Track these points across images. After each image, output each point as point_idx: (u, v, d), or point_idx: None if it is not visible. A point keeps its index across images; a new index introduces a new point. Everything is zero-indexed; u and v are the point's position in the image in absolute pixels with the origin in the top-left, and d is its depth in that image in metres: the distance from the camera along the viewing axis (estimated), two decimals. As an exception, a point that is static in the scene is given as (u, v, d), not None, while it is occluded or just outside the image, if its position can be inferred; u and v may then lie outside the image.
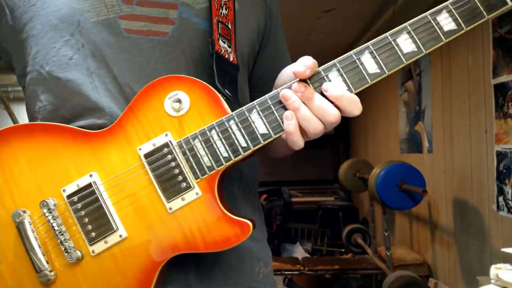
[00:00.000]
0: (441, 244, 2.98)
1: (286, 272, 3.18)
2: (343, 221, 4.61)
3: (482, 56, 2.37)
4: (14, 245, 0.70)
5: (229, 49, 0.78)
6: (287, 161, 5.73)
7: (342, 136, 5.92)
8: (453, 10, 0.67)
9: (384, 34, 0.68)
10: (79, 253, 0.68)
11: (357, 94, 0.68)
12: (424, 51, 0.68)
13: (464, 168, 2.63)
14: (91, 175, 0.70)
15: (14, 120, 3.32)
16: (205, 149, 0.68)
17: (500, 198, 2.22)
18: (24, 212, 0.69)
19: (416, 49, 0.68)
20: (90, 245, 0.69)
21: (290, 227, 5.13)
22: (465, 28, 0.67)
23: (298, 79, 0.68)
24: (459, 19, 0.67)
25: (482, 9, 0.67)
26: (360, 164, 3.99)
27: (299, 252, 4.55)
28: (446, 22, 0.67)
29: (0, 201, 0.70)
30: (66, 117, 0.75)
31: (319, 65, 0.69)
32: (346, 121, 5.79)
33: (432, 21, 0.68)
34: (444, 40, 0.67)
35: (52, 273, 0.68)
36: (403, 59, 0.68)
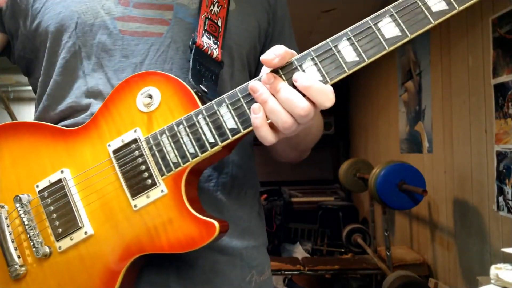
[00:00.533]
0: (441, 244, 2.98)
1: (286, 272, 3.17)
2: (343, 221, 4.61)
3: (482, 56, 2.37)
4: None
5: (214, 46, 0.77)
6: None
7: (342, 136, 5.92)
8: None
9: (364, 19, 0.63)
10: (46, 249, 0.68)
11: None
12: (409, 35, 0.61)
13: (464, 168, 2.63)
14: (62, 171, 0.70)
15: (14, 120, 3.32)
16: (172, 144, 0.66)
17: (500, 198, 2.22)
18: (2, 207, 0.71)
19: (400, 33, 0.61)
20: (57, 241, 0.68)
21: (290, 227, 5.12)
22: (457, 8, 0.60)
23: (269, 69, 0.64)
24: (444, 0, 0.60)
25: None
26: (360, 164, 3.99)
27: (299, 252, 4.55)
28: (435, 1, 0.60)
29: None
30: (56, 118, 0.76)
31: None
32: (346, 121, 5.79)
33: (418, 1, 0.61)
34: (432, 22, 0.60)
35: (23, 268, 0.69)
36: (385, 45, 0.61)
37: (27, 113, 4.96)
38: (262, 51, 0.88)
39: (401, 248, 3.48)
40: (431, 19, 0.60)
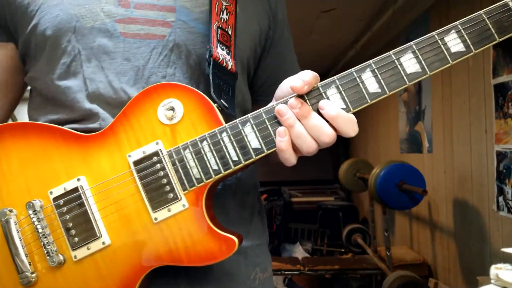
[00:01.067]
0: (441, 244, 2.98)
1: (286, 272, 3.18)
2: (343, 221, 4.61)
3: (482, 56, 2.37)
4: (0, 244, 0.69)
5: (228, 57, 0.76)
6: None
7: (342, 136, 5.91)
8: (462, 31, 0.64)
9: (388, 53, 0.65)
10: (61, 257, 0.67)
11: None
12: (428, 73, 0.64)
13: (464, 168, 2.63)
14: (78, 179, 0.68)
15: (14, 120, 3.32)
16: (195, 160, 0.66)
17: (500, 198, 2.22)
18: (11, 211, 0.68)
19: (420, 70, 0.64)
20: (73, 250, 0.67)
21: (290, 227, 5.13)
22: (474, 51, 0.64)
23: (294, 94, 0.65)
24: (468, 40, 0.64)
25: (493, 31, 0.63)
26: (360, 164, 3.99)
27: (299, 252, 4.55)
28: (454, 43, 0.64)
29: None
30: (61, 121, 0.75)
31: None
32: (346, 121, 5.77)
33: (439, 41, 0.64)
34: (450, 62, 0.64)
35: (34, 275, 0.67)
36: (405, 79, 0.64)
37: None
38: (262, 53, 0.88)
39: (401, 248, 3.49)
40: (449, 59, 0.64)
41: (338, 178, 4.16)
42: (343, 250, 4.20)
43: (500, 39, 0.64)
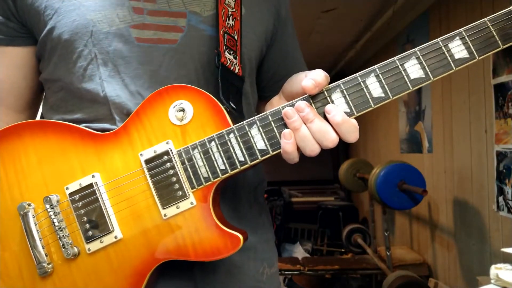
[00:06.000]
0: (441, 244, 2.98)
1: (286, 272, 3.18)
2: (343, 221, 4.61)
3: (482, 56, 2.37)
4: (18, 236, 0.72)
5: (235, 61, 0.79)
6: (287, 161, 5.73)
7: (342, 136, 5.91)
8: (466, 38, 0.65)
9: (392, 58, 0.66)
10: (75, 250, 0.71)
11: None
12: (432, 78, 0.66)
13: (464, 168, 2.63)
14: (93, 176, 0.72)
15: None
16: (203, 160, 0.70)
17: (500, 198, 2.22)
18: (29, 205, 0.72)
19: (423, 76, 0.66)
20: (87, 243, 0.71)
21: (290, 227, 5.13)
22: (477, 57, 0.65)
23: (302, 96, 0.68)
24: (472, 47, 0.65)
25: (497, 39, 0.64)
26: (360, 164, 3.99)
27: (299, 252, 4.55)
28: (458, 49, 0.65)
29: (9, 193, 0.73)
30: (76, 121, 0.77)
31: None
32: (346, 121, 5.77)
33: (443, 47, 0.65)
34: (454, 68, 0.65)
35: (50, 266, 0.71)
36: (409, 85, 0.66)
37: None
38: (268, 52, 0.90)
39: (401, 248, 3.49)
40: (453, 65, 0.65)
41: (338, 178, 4.17)
42: (343, 250, 4.20)
43: (504, 46, 0.65)
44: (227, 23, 0.80)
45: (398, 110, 3.76)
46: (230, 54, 0.79)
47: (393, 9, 3.09)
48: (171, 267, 0.73)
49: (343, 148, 6.06)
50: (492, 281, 0.89)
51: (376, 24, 3.51)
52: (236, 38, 0.81)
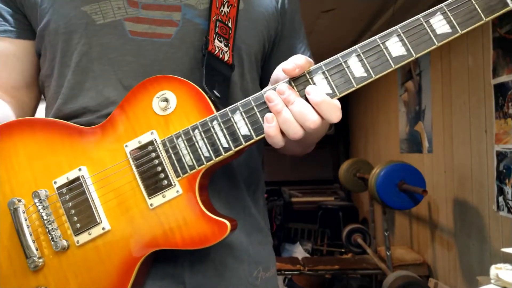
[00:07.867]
0: (441, 244, 2.98)
1: (286, 272, 3.18)
2: (343, 221, 4.61)
3: (482, 56, 2.37)
4: (9, 231, 0.73)
5: (225, 48, 0.79)
6: (287, 161, 5.73)
7: (342, 136, 5.92)
8: (448, 12, 0.64)
9: (373, 37, 0.66)
10: (65, 243, 0.71)
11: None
12: (414, 55, 0.65)
13: (464, 168, 2.63)
14: (80, 169, 0.73)
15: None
16: (188, 148, 0.70)
17: (500, 198, 2.22)
18: (19, 201, 0.73)
19: (405, 53, 0.65)
20: (75, 235, 0.71)
21: (290, 227, 5.13)
22: (460, 31, 0.64)
23: (283, 80, 0.68)
24: (453, 21, 0.64)
25: (479, 11, 0.63)
26: (360, 164, 3.99)
27: (299, 252, 4.55)
28: (439, 24, 0.64)
29: (0, 190, 0.74)
30: (68, 117, 0.78)
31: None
32: (346, 121, 5.79)
33: (424, 23, 0.64)
34: (436, 43, 0.64)
35: (41, 260, 0.72)
36: (391, 63, 0.65)
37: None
38: (272, 49, 0.89)
39: (401, 248, 3.48)
40: (435, 40, 0.64)
41: (338, 178, 4.16)
42: (343, 250, 4.20)
43: (487, 19, 0.64)
44: (221, 11, 0.79)
45: (398, 110, 3.76)
46: (220, 42, 0.78)
47: (393, 9, 3.09)
48: (160, 267, 0.73)
49: (343, 148, 6.06)
50: (492, 281, 0.89)
51: (376, 24, 3.51)
52: (230, 26, 0.80)
